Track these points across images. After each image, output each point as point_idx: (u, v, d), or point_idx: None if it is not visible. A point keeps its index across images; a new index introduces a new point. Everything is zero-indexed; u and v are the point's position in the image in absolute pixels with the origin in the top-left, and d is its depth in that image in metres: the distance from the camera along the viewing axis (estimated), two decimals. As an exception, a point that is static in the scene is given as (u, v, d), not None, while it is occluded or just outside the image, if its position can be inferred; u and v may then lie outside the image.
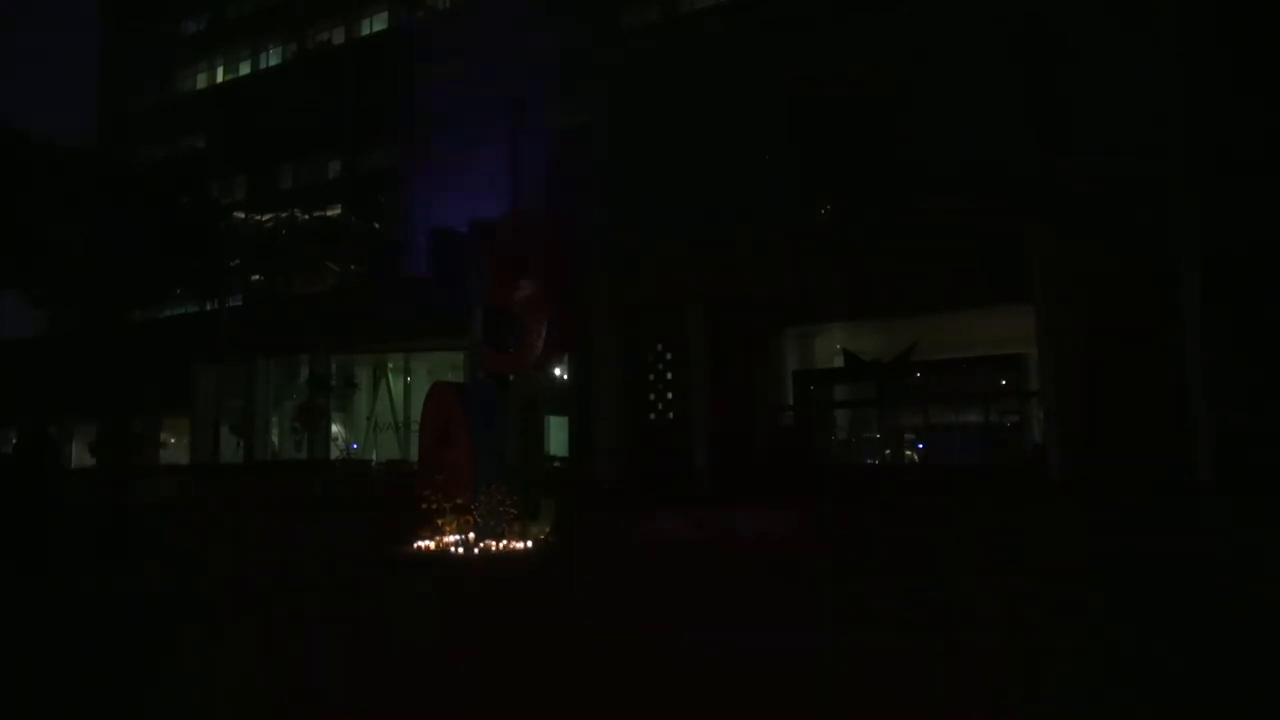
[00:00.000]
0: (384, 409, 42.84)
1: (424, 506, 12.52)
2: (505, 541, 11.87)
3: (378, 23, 47.49)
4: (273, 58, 51.34)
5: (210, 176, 48.91)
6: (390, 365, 43.52)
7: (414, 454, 21.51)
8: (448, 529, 12.28)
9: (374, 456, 40.68)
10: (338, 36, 48.75)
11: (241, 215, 48.91)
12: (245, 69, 52.12)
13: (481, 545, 11.84)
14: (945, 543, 13.39)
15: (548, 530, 12.60)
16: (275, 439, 43.95)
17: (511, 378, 13.45)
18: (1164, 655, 5.57)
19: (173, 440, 46.14)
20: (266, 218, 49.24)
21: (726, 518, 17.78)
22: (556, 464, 31.13)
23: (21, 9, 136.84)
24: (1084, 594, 8.02)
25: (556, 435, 33.32)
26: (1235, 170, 23.73)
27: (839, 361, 32.85)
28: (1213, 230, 23.41)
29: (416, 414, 20.03)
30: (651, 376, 32.65)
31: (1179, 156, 24.03)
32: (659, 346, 32.47)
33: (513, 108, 26.07)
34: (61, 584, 10.19)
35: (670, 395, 32.22)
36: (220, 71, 53.48)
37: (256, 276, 48.45)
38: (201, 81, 53.83)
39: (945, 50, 27.57)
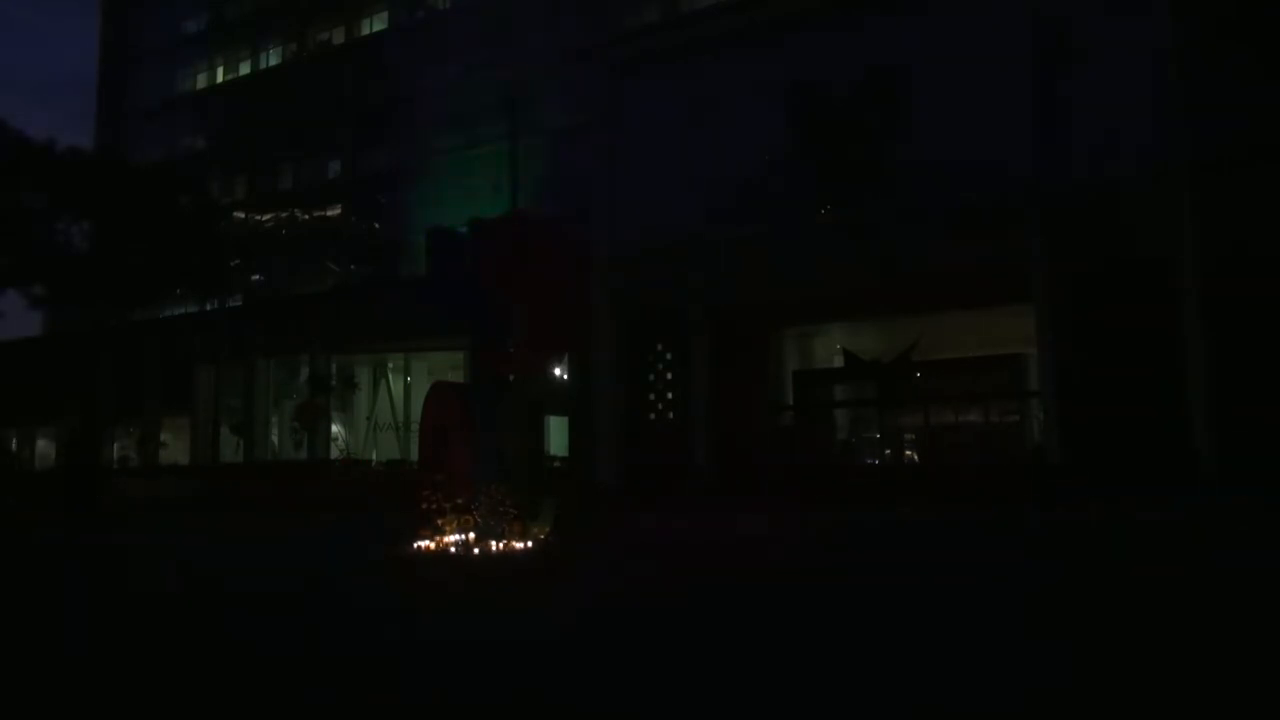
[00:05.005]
0: (384, 409, 42.86)
1: (424, 506, 12.51)
2: (505, 541, 11.86)
3: (378, 23, 47.48)
4: (273, 58, 51.33)
5: (210, 176, 48.89)
6: (390, 365, 43.53)
7: (414, 454, 21.51)
8: (448, 529, 12.27)
9: (374, 456, 40.71)
10: (338, 36, 48.74)
11: (241, 215, 48.92)
12: (245, 69, 52.11)
13: (481, 545, 11.84)
14: (945, 546, 13.40)
15: (548, 530, 12.59)
16: (275, 439, 43.98)
17: (511, 378, 13.43)
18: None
19: (173, 439, 46.10)
20: (266, 218, 49.23)
21: (726, 518, 17.79)
22: (556, 464, 31.14)
23: (22, 7, 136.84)
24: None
25: (556, 435, 33.33)
26: (1235, 169, 23.74)
27: (839, 361, 32.85)
28: (1212, 229, 23.43)
29: (416, 414, 20.03)
30: (651, 376, 32.66)
31: (1179, 156, 24.05)
32: (659, 346, 32.49)
33: (513, 108, 26.04)
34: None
35: (670, 395, 32.22)
36: (220, 71, 53.46)
37: (256, 276, 48.47)
38: (201, 81, 53.81)
39: (946, 50, 27.57)
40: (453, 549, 11.96)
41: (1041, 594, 8.09)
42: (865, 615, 7.19)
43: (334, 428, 42.49)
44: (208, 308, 45.73)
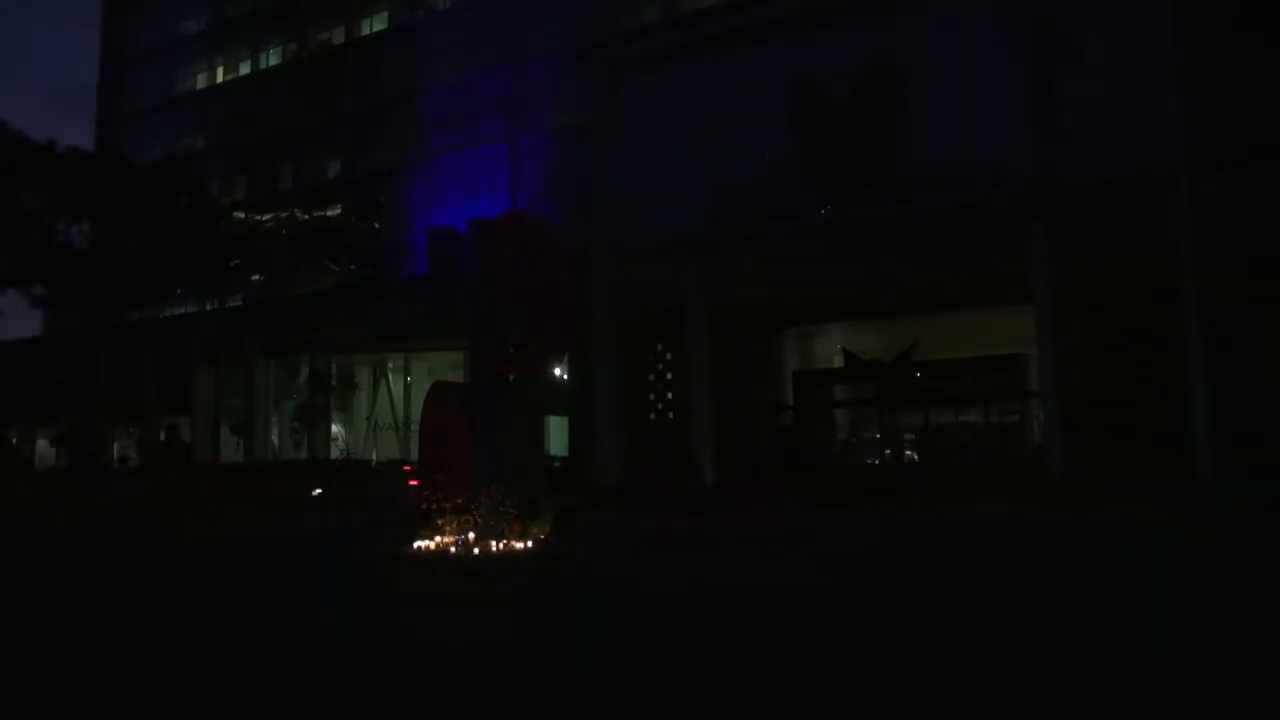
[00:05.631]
0: (384, 409, 42.89)
1: (424, 506, 12.51)
2: (505, 541, 11.86)
3: (378, 23, 47.51)
4: (273, 58, 51.35)
5: (210, 176, 48.91)
6: (390, 365, 43.56)
7: (414, 454, 21.53)
8: (448, 529, 12.27)
9: (374, 456, 40.74)
10: (338, 36, 48.76)
11: (241, 215, 48.94)
12: (245, 69, 52.13)
13: (481, 545, 11.84)
14: (944, 546, 13.41)
15: (548, 530, 12.59)
16: (275, 439, 43.99)
17: (511, 378, 13.43)
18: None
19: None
20: (266, 218, 49.26)
21: (726, 518, 17.79)
22: (556, 464, 31.14)
23: (22, 7, 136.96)
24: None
25: (556, 435, 33.35)
26: (1235, 169, 23.75)
27: (839, 361, 32.87)
28: (1212, 229, 23.43)
29: (416, 414, 20.05)
30: (651, 376, 32.66)
31: (1179, 155, 24.06)
32: (659, 346, 32.48)
33: (512, 108, 26.07)
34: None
35: (670, 395, 32.22)
36: (220, 71, 53.49)
37: (256, 276, 48.50)
38: (201, 81, 53.83)
39: (946, 50, 27.58)
40: (453, 549, 11.97)
41: (1040, 594, 8.09)
42: (868, 615, 7.18)
43: (334, 428, 42.51)
44: (208, 308, 45.71)
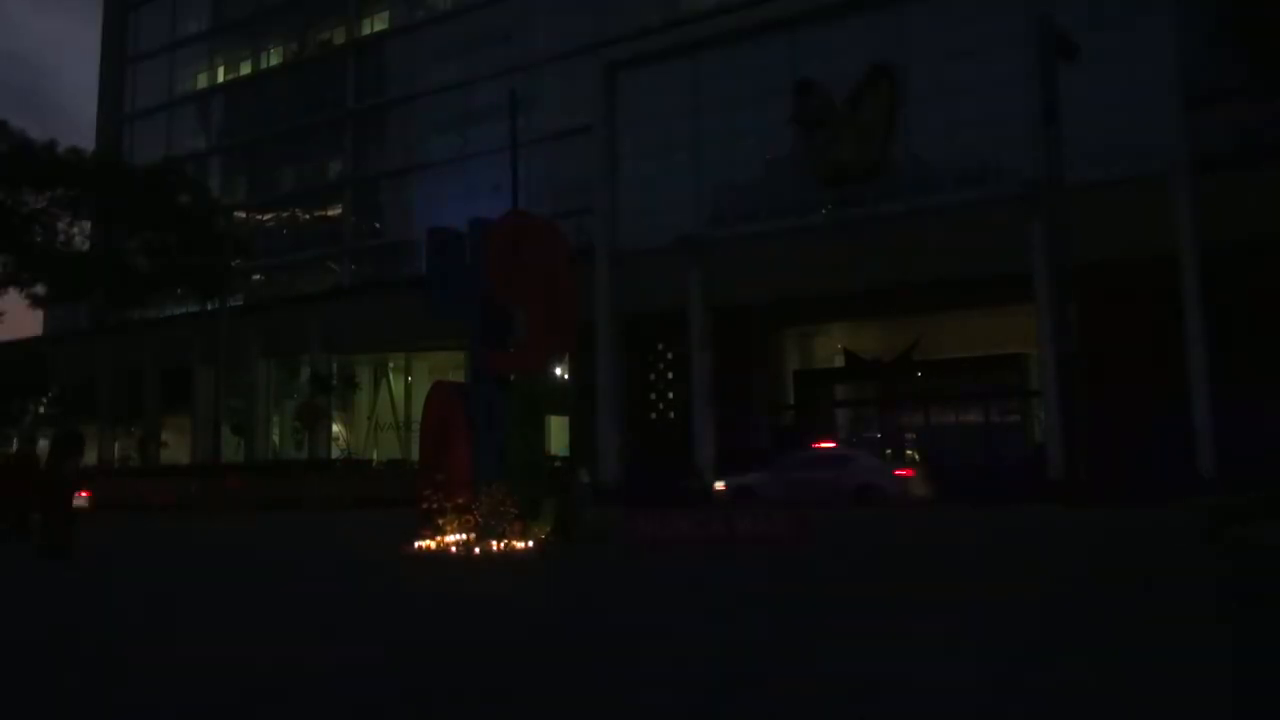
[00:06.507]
0: (385, 409, 42.87)
1: (424, 506, 12.50)
2: (506, 541, 11.86)
3: (378, 23, 47.52)
4: (273, 58, 51.35)
5: (210, 176, 48.92)
6: (391, 365, 43.55)
7: (415, 454, 21.56)
8: (449, 529, 12.26)
9: (375, 456, 40.73)
10: (338, 36, 48.77)
11: (242, 215, 48.95)
12: (246, 69, 52.14)
13: (482, 545, 11.84)
14: (943, 545, 13.43)
15: (548, 530, 12.60)
16: (276, 439, 43.98)
17: (512, 377, 13.44)
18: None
19: (174, 439, 46.09)
20: (266, 218, 49.27)
21: (727, 517, 17.77)
22: (557, 464, 31.16)
23: (23, 8, 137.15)
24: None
25: (557, 435, 33.37)
26: (1235, 168, 23.76)
27: (839, 361, 32.87)
28: (1213, 227, 23.45)
29: (417, 414, 20.08)
30: (652, 376, 32.66)
31: (1179, 154, 24.07)
32: (659, 346, 32.48)
33: (513, 108, 26.07)
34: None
35: (671, 395, 32.23)
36: (221, 71, 53.50)
37: (256, 276, 48.50)
38: (202, 81, 53.84)
39: (946, 50, 27.60)
40: (453, 549, 11.97)
41: (1039, 593, 8.10)
42: (868, 615, 7.20)
43: (335, 427, 42.51)
44: (208, 308, 45.73)
